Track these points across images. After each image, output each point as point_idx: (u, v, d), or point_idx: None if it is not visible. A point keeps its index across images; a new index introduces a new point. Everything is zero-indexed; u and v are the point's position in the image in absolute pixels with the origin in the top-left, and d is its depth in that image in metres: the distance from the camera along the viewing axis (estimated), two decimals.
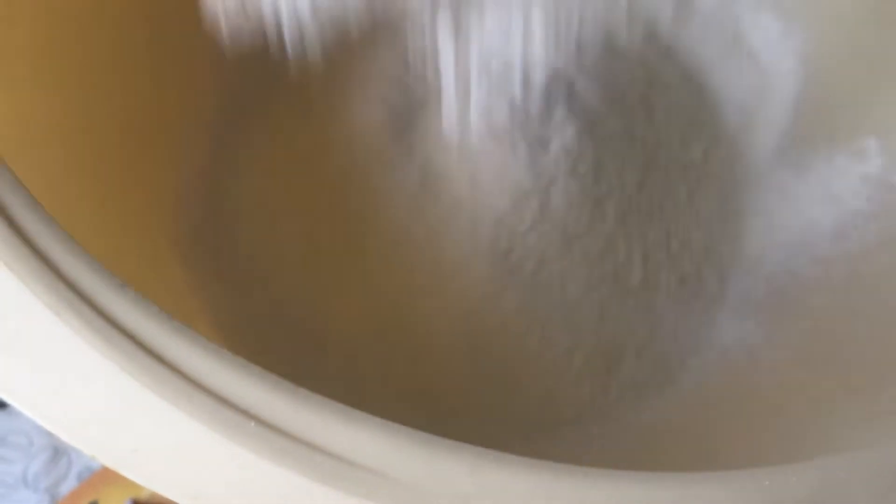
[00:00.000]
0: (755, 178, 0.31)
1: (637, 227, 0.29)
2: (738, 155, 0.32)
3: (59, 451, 0.28)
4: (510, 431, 0.27)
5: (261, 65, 0.31)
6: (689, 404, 0.27)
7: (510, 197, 0.28)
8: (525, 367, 0.27)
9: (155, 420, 0.14)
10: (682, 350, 0.29)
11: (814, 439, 0.22)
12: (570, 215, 0.28)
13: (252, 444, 0.14)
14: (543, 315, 0.28)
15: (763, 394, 0.26)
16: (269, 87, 0.30)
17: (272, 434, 0.14)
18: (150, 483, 0.14)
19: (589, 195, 0.28)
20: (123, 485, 0.27)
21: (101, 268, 0.15)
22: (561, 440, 0.27)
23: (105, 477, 0.28)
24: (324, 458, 0.14)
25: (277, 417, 0.14)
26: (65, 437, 0.14)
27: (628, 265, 0.29)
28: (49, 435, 0.29)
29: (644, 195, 0.29)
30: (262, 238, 0.28)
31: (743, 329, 0.28)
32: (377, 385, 0.26)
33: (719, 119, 0.33)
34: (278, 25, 0.21)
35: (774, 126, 0.32)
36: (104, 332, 0.14)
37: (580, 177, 0.28)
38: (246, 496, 0.14)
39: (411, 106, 0.29)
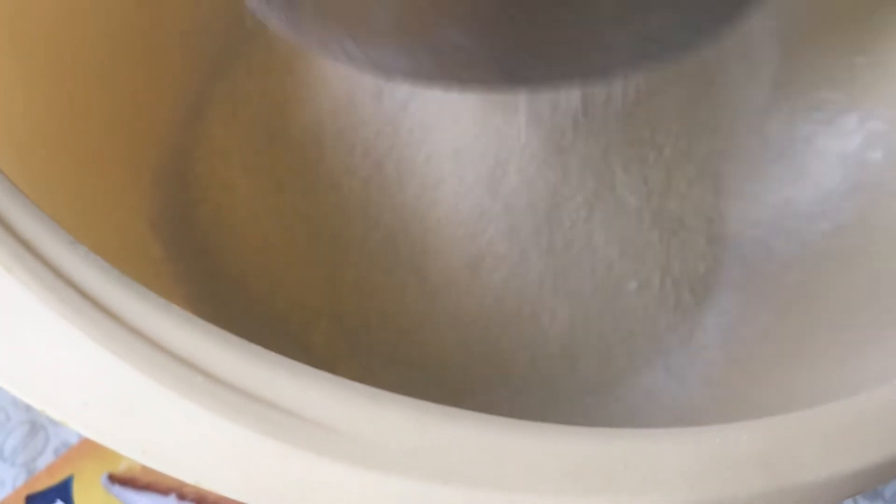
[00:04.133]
0: (734, 157, 0.31)
1: (612, 207, 0.29)
2: (718, 134, 0.32)
3: (36, 426, 0.28)
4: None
5: (234, 43, 0.31)
6: (664, 377, 0.27)
7: (494, 163, 0.27)
8: (515, 341, 0.27)
9: (104, 374, 0.14)
10: (661, 328, 0.29)
11: (783, 408, 0.22)
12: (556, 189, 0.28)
13: (201, 398, 0.14)
14: (532, 293, 0.28)
15: (735, 366, 0.26)
16: (242, 68, 0.30)
17: (221, 388, 0.14)
18: (100, 437, 0.14)
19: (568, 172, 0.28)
20: (100, 460, 0.27)
21: (53, 224, 0.15)
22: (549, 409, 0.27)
23: (82, 452, 0.28)
24: (272, 413, 0.14)
25: (226, 372, 0.14)
26: (14, 391, 0.14)
27: (606, 246, 0.29)
28: (26, 410, 0.29)
29: (622, 172, 0.29)
30: (237, 215, 0.28)
31: (718, 305, 0.28)
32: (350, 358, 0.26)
33: (702, 97, 0.33)
34: None
35: (754, 105, 0.32)
36: (54, 287, 0.14)
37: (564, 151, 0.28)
38: (195, 450, 0.14)
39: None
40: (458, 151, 0.27)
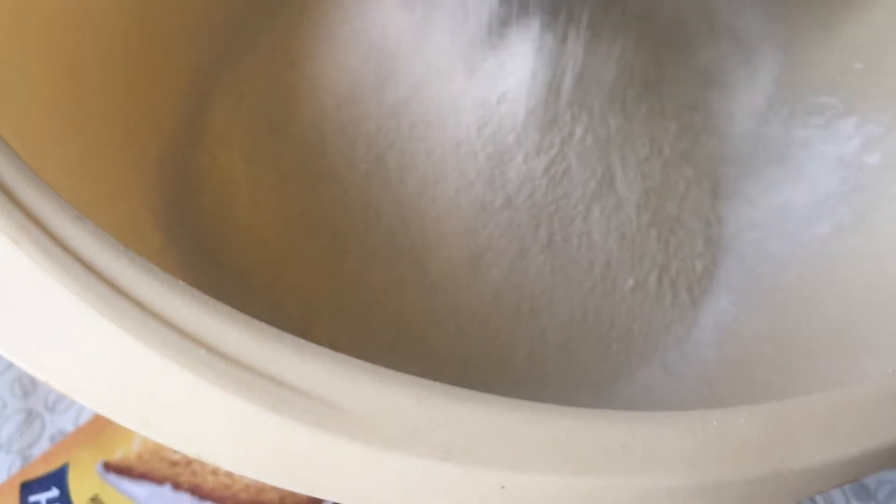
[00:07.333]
0: (732, 160, 0.32)
1: (612, 204, 0.29)
2: (717, 137, 0.32)
3: (32, 414, 0.28)
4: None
5: (238, 36, 0.31)
6: (660, 375, 0.27)
7: (495, 159, 0.27)
8: (513, 335, 0.27)
9: (107, 346, 0.14)
10: (658, 326, 0.29)
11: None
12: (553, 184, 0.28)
13: (203, 371, 0.14)
14: (531, 289, 0.28)
15: (731, 366, 0.26)
16: (245, 61, 0.30)
17: (223, 362, 0.14)
18: (102, 408, 0.14)
19: (565, 167, 0.28)
20: (95, 448, 0.27)
21: (60, 199, 0.15)
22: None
23: (77, 440, 0.28)
24: (275, 387, 0.14)
25: (229, 346, 0.14)
26: (19, 362, 0.14)
27: (605, 243, 0.29)
28: (23, 398, 0.29)
29: (621, 169, 0.29)
30: (238, 206, 0.28)
31: (715, 305, 0.28)
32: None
33: (701, 100, 0.33)
34: None
35: (753, 109, 0.32)
36: (61, 261, 0.14)
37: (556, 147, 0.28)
38: (196, 423, 0.14)
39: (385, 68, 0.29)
40: (460, 146, 0.27)
